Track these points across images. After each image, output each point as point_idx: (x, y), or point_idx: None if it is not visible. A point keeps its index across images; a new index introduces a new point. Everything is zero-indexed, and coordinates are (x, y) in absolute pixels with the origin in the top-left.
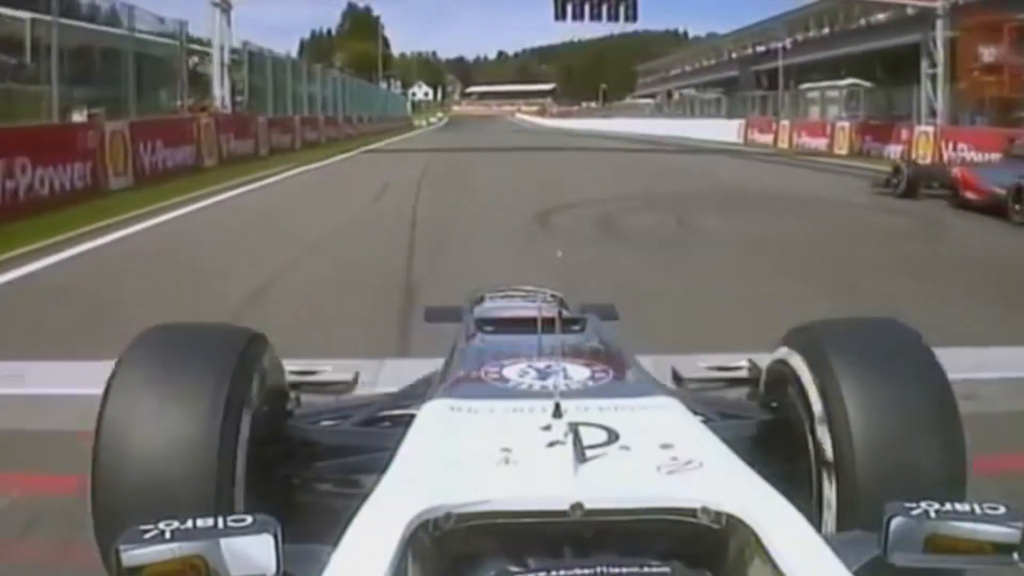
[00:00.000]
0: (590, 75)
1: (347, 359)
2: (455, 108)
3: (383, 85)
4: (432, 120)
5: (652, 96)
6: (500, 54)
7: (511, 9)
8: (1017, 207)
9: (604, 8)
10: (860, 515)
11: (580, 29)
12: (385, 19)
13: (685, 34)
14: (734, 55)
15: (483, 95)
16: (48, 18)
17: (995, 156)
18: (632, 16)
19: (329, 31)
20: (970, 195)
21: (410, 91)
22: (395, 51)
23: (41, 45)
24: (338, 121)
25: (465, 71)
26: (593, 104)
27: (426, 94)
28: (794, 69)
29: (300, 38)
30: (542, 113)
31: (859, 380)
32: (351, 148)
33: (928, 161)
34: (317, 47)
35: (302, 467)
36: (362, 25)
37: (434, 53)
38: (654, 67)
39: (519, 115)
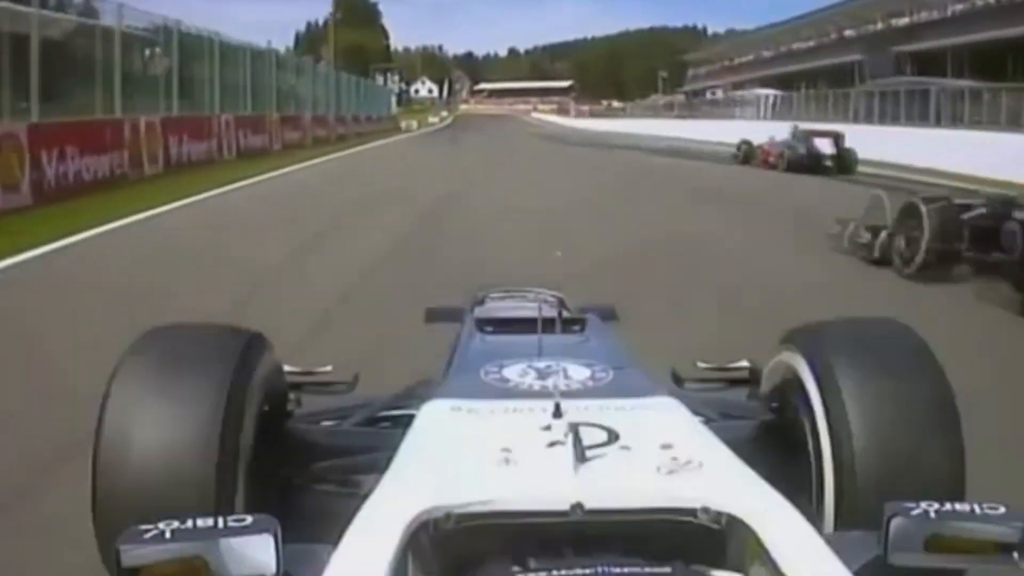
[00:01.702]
0: (608, 72)
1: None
2: (463, 106)
3: (379, 80)
4: (432, 120)
5: (711, 90)
6: (511, 51)
7: (521, 4)
8: (779, 164)
9: None
10: (860, 515)
11: (593, 25)
12: (387, 12)
13: (704, 30)
14: (847, 32)
15: (494, 92)
16: None
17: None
18: None
19: (326, 23)
20: (769, 159)
21: (412, 87)
22: (398, 45)
23: None
24: (155, 128)
25: (474, 68)
26: (615, 103)
27: (430, 91)
28: None
29: (296, 31)
30: (563, 112)
31: (859, 380)
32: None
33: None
34: (314, 39)
35: (302, 467)
36: (357, 14)
37: (440, 47)
38: (712, 55)
39: (536, 114)
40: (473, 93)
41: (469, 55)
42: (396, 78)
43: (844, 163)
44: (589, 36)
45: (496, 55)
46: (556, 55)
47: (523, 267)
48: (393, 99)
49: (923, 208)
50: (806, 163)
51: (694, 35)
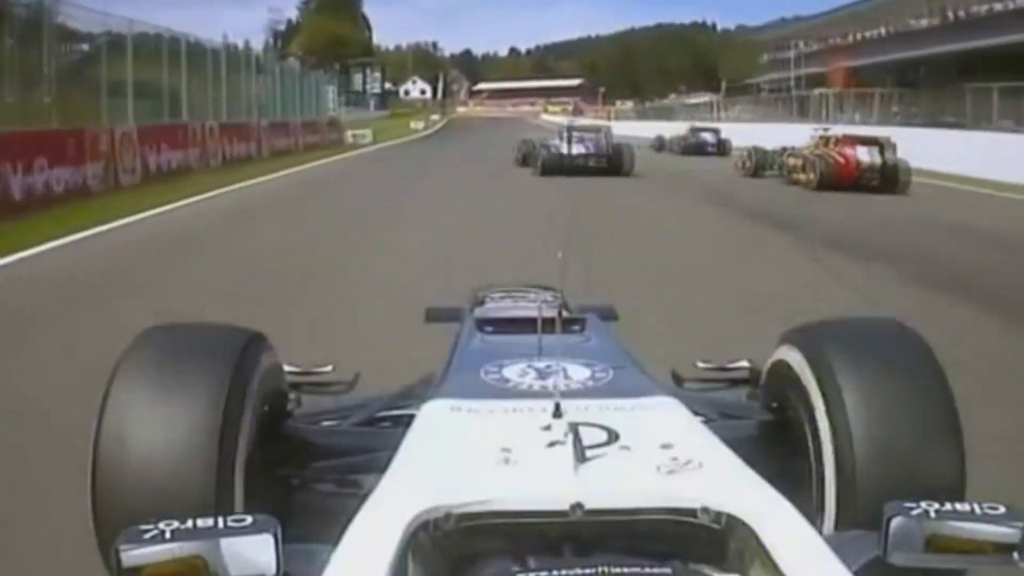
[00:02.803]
0: (621, 70)
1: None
2: (460, 109)
3: (359, 78)
4: (415, 126)
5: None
6: (512, 50)
7: (522, 3)
8: (676, 150)
9: None
10: (860, 515)
11: (597, 23)
12: (377, 9)
13: (713, 26)
14: None
15: (494, 93)
16: None
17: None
18: None
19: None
20: (673, 148)
21: (402, 88)
22: (388, 43)
23: None
24: None
25: (472, 68)
26: (629, 103)
27: (423, 92)
28: None
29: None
30: (577, 113)
31: (859, 380)
32: None
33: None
34: (294, 33)
35: (302, 467)
36: (333, 2)
37: (435, 44)
38: (794, 33)
39: (546, 116)
40: (472, 94)
41: (467, 53)
42: (378, 75)
43: (723, 148)
44: (594, 34)
45: (496, 54)
46: (560, 54)
47: None
48: (331, 96)
49: (535, 146)
50: (694, 149)
51: (702, 30)
